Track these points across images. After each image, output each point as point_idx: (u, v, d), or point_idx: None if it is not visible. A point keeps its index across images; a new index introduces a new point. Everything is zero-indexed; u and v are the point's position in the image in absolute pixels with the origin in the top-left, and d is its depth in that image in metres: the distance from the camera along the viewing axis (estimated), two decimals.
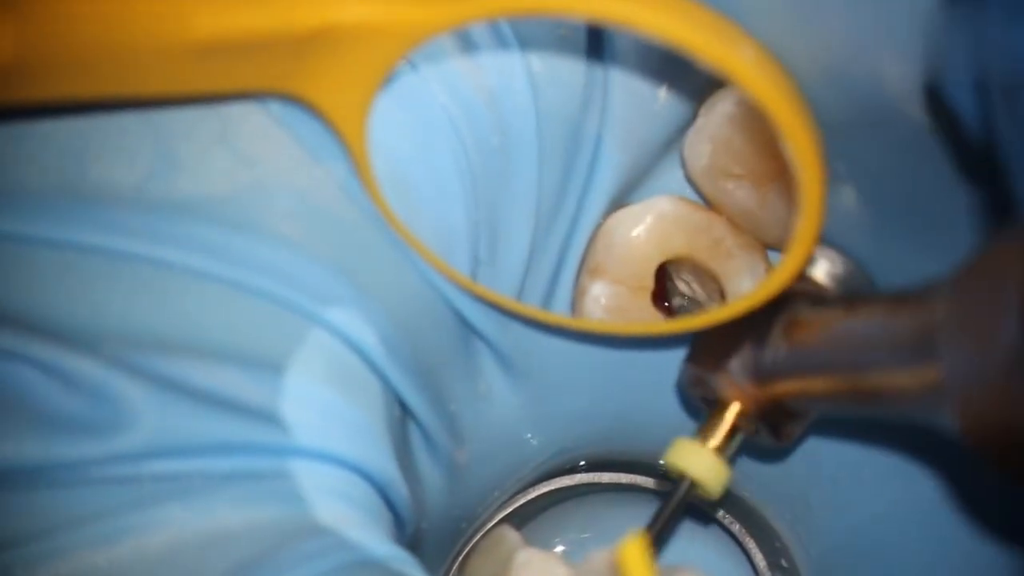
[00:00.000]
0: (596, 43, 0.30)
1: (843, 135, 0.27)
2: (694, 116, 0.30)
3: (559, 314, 0.32)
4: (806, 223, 0.24)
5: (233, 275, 0.26)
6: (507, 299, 0.30)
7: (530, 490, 0.37)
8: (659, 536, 0.30)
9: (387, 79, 0.25)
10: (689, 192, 0.31)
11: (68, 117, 0.27)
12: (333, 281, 0.27)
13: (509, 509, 0.37)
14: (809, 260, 0.28)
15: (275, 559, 0.25)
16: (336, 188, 0.27)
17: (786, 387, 0.28)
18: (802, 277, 0.29)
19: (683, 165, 0.31)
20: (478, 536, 0.37)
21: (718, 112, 0.29)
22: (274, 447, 0.27)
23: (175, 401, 0.26)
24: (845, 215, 0.29)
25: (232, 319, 0.27)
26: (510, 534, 0.36)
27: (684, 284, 0.31)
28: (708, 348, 0.29)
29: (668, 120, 0.31)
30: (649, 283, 0.31)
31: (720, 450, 0.29)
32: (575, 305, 0.32)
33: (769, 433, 0.29)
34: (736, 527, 0.37)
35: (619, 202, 0.31)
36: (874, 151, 0.28)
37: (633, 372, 0.34)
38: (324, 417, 0.27)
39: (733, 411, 0.29)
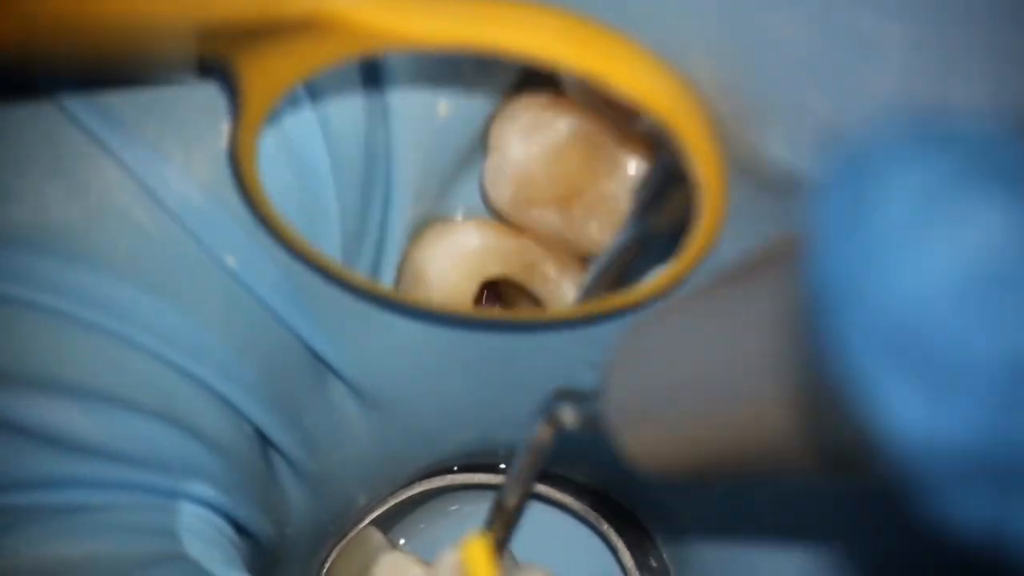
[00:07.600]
0: (371, 67, 0.29)
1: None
2: (485, 128, 0.30)
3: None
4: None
5: (66, 308, 0.27)
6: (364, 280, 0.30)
7: (400, 492, 0.37)
8: (503, 540, 0.31)
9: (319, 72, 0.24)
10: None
11: None
12: (169, 312, 0.27)
13: (378, 511, 0.37)
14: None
15: None
16: (169, 218, 0.27)
17: None
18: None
19: (484, 198, 0.31)
20: (347, 539, 0.36)
21: (514, 152, 0.30)
22: (106, 481, 0.27)
23: (5, 435, 0.26)
24: None
25: (64, 352, 0.27)
26: (374, 535, 0.36)
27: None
28: None
29: (456, 133, 0.30)
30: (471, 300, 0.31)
31: None
32: None
33: None
34: (604, 526, 0.38)
35: (423, 220, 0.31)
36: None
37: (490, 387, 0.34)
38: (159, 450, 0.27)
39: None
